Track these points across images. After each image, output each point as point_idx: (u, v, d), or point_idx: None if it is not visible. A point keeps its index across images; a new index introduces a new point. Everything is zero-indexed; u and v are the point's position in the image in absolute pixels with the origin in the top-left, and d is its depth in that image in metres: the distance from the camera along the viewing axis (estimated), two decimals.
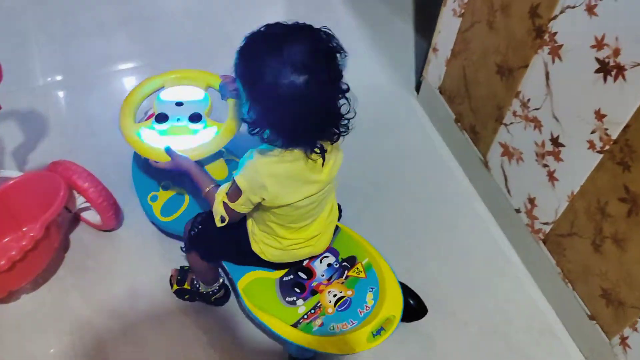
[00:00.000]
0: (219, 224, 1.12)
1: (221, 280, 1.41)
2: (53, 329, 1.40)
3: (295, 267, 1.25)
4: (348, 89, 0.97)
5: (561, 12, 1.22)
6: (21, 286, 1.41)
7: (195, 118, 1.29)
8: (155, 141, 1.26)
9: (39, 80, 1.97)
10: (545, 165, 1.39)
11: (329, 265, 1.25)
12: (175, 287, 1.44)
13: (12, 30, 2.13)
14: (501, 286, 1.55)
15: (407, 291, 1.38)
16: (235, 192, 1.06)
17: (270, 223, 1.13)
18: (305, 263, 1.25)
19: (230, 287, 1.46)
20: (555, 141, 1.33)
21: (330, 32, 0.94)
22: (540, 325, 1.48)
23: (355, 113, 1.00)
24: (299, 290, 1.22)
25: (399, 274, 1.51)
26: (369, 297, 1.21)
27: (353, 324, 1.18)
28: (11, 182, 1.36)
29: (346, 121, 1.00)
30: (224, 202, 1.09)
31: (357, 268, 1.25)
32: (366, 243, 1.30)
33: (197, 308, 1.45)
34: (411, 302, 1.37)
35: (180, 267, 1.47)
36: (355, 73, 2.28)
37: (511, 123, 1.48)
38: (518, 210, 1.54)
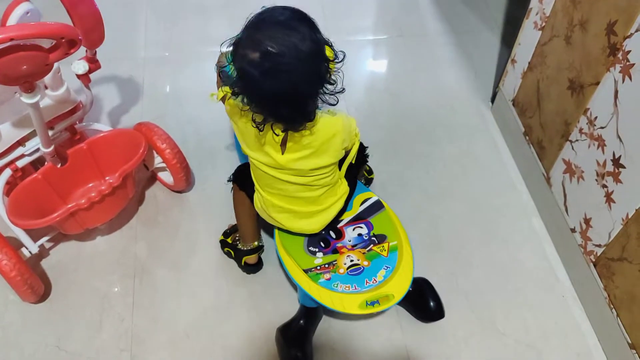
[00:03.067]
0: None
1: (258, 244, 1.49)
2: (119, 271, 1.56)
3: (330, 226, 1.35)
4: (318, 93, 1.06)
5: (637, 30, 1.20)
6: (96, 226, 1.57)
7: None
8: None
9: (141, 52, 2.16)
10: (604, 186, 1.36)
11: (359, 234, 1.35)
12: (221, 237, 1.58)
13: (126, 2, 2.34)
14: (546, 303, 1.53)
15: (429, 291, 1.45)
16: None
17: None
18: (339, 225, 1.36)
19: (262, 262, 1.56)
20: (616, 162, 1.31)
21: (323, 38, 1.04)
22: (579, 347, 1.45)
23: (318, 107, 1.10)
24: (323, 245, 1.34)
25: (443, 276, 1.55)
26: (381, 273, 1.28)
27: (355, 289, 1.26)
28: (101, 134, 1.53)
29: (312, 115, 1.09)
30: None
31: (383, 246, 1.33)
32: (402, 230, 1.36)
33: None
34: (431, 303, 1.44)
35: (235, 224, 1.57)
36: (436, 77, 2.31)
37: (576, 140, 1.46)
38: (573, 230, 1.52)
